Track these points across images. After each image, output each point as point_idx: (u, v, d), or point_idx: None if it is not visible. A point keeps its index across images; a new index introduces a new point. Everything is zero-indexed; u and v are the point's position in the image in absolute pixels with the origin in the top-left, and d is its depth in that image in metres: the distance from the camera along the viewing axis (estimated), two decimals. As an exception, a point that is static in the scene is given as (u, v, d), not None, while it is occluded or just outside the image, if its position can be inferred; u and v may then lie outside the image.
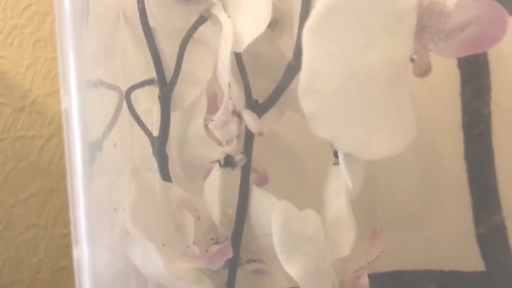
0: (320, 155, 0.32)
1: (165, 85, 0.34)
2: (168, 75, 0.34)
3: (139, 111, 0.35)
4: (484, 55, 0.40)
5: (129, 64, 0.35)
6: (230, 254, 0.32)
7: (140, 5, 0.33)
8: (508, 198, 0.41)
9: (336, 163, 0.31)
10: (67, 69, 0.29)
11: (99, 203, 0.32)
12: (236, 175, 0.32)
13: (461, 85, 0.41)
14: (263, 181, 0.36)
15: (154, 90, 0.35)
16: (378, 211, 0.44)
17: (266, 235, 0.31)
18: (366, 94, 0.26)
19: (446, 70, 0.41)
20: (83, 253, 0.30)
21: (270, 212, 0.30)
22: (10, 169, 0.59)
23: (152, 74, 0.35)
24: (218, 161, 0.32)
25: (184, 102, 0.35)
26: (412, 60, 0.28)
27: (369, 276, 0.32)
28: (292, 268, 0.29)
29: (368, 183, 0.30)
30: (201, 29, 0.33)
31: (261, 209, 0.32)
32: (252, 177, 0.33)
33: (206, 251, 0.33)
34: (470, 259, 0.41)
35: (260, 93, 0.32)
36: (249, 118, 0.30)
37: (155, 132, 0.35)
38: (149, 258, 0.31)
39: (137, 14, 0.33)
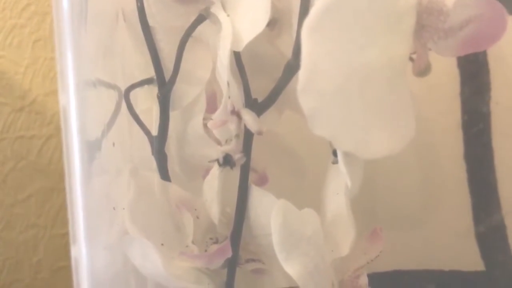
0: (319, 154, 0.32)
1: (164, 85, 0.34)
2: (167, 74, 0.34)
3: (138, 110, 0.35)
4: (484, 54, 0.40)
5: (128, 63, 0.35)
6: (229, 254, 0.32)
7: (139, 4, 0.33)
8: (508, 197, 0.41)
9: (335, 162, 0.31)
10: (65, 68, 0.29)
11: (98, 202, 0.32)
12: (235, 174, 0.32)
13: (461, 84, 0.41)
14: (262, 181, 0.36)
15: (153, 90, 0.35)
16: (378, 211, 0.44)
17: (265, 234, 0.31)
18: (366, 93, 0.26)
19: (445, 69, 0.40)
20: (81, 252, 0.30)
21: (269, 212, 0.30)
22: (9, 169, 0.59)
23: (151, 73, 0.35)
24: (217, 160, 0.32)
25: (183, 101, 0.35)
26: (411, 59, 0.28)
27: (369, 275, 0.32)
28: (291, 268, 0.29)
29: (368, 182, 0.30)
30: (200, 28, 0.33)
31: (260, 209, 0.32)
32: (252, 176, 0.33)
33: (205, 250, 0.33)
34: (470, 258, 0.41)
35: (259, 92, 0.32)
36: (248, 117, 0.30)
37: (154, 132, 0.35)
38: (148, 258, 0.31)
39: (136, 13, 0.33)
